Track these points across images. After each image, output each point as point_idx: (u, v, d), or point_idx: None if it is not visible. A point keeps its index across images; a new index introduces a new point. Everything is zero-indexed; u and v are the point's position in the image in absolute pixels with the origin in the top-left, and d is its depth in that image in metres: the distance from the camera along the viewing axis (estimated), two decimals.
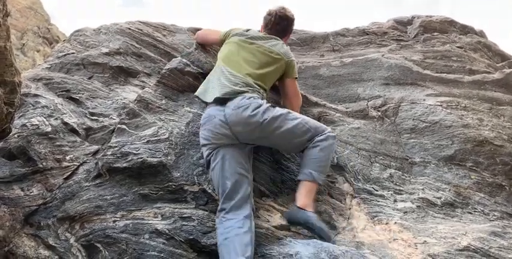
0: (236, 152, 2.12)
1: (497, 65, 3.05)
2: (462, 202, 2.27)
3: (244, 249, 1.84)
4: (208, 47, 2.87)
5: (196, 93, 2.39)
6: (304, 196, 2.04)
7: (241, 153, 2.14)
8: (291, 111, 2.26)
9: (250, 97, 2.18)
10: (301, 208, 1.99)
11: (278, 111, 2.17)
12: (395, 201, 2.28)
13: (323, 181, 2.16)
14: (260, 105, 2.14)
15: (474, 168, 2.39)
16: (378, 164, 2.47)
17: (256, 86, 2.30)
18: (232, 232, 1.88)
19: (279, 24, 2.62)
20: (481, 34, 3.44)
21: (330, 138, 2.16)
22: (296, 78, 2.54)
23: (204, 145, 2.18)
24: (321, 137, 2.14)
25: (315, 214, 1.99)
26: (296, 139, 2.15)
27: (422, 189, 2.32)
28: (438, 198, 2.28)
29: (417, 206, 2.23)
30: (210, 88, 2.32)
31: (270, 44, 2.48)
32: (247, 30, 2.59)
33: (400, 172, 2.43)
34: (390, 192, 2.32)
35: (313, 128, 2.17)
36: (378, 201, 2.27)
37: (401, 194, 2.31)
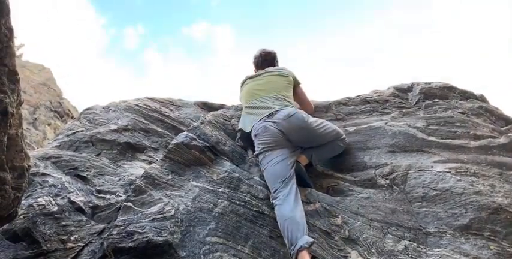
0: (288, 150, 2.73)
1: (502, 129, 3.05)
2: None
3: (306, 227, 2.30)
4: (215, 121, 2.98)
5: (240, 127, 2.96)
6: (301, 159, 2.76)
7: (291, 151, 2.76)
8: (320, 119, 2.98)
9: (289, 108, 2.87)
10: (298, 162, 2.71)
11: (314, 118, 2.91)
12: None
13: (315, 164, 2.87)
14: (303, 114, 2.81)
15: (492, 237, 2.29)
16: (391, 236, 2.38)
17: (286, 100, 3.01)
18: (297, 213, 2.34)
19: (266, 60, 3.44)
20: (482, 98, 3.49)
21: (344, 145, 2.92)
22: (300, 83, 3.30)
23: (262, 149, 2.71)
24: (338, 143, 2.88)
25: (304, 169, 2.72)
26: (328, 139, 2.84)
27: None
28: None
29: None
30: (249, 119, 2.93)
31: (270, 70, 3.24)
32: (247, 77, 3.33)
33: (415, 244, 2.33)
34: None
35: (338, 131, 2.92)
36: None
37: None
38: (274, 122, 2.76)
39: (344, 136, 2.95)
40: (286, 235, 2.23)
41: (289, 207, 2.35)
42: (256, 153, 2.78)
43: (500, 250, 2.23)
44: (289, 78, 3.20)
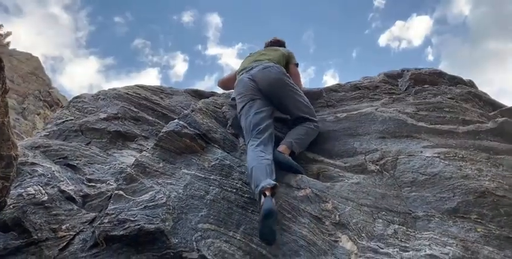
0: (262, 104, 2.89)
1: (490, 114, 3.09)
2: (471, 257, 2.17)
3: (271, 174, 2.41)
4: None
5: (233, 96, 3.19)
6: (284, 148, 2.69)
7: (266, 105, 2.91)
8: None
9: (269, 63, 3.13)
10: (282, 153, 2.65)
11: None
12: (402, 258, 2.19)
13: (297, 152, 2.79)
14: (282, 69, 3.06)
15: (479, 220, 2.33)
16: (380, 220, 2.41)
17: (272, 60, 3.20)
18: (263, 161, 2.47)
19: (273, 45, 3.75)
20: (471, 84, 3.52)
21: (317, 129, 2.95)
22: (297, 64, 3.46)
23: (238, 99, 2.95)
24: (312, 127, 2.91)
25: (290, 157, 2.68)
26: (297, 107, 2.96)
27: (429, 245, 2.24)
28: (446, 253, 2.19)
29: None
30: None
31: (268, 47, 3.63)
32: None
33: (404, 228, 2.36)
34: (396, 250, 2.24)
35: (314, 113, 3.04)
36: None
37: (407, 251, 2.22)
38: (249, 74, 3.05)
39: (316, 119, 3.03)
40: (252, 181, 2.38)
41: (255, 156, 2.52)
42: (237, 110, 2.98)
43: (486, 233, 2.27)
44: (283, 52, 3.41)
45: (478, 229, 2.29)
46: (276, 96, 2.96)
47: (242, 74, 3.13)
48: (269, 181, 2.29)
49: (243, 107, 2.90)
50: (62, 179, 2.58)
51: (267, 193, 2.24)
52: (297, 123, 2.95)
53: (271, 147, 2.67)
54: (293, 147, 2.77)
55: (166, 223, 2.17)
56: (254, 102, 2.89)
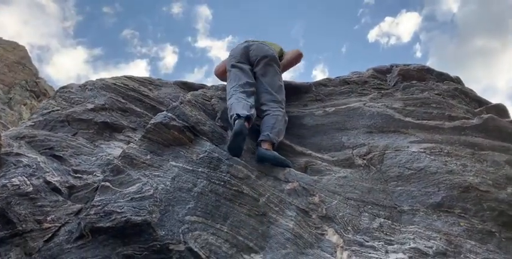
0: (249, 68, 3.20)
1: (475, 110, 3.13)
2: (454, 251, 2.22)
3: (249, 110, 2.74)
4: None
5: None
6: (267, 145, 2.73)
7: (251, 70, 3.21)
8: None
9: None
10: (267, 149, 2.70)
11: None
12: (386, 252, 2.22)
13: (277, 142, 2.82)
14: (274, 51, 3.33)
15: (463, 214, 2.38)
16: (366, 214, 2.44)
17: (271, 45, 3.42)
18: (243, 100, 2.80)
19: None
20: (458, 80, 3.56)
21: (285, 116, 2.98)
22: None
23: (230, 61, 3.26)
24: (279, 113, 2.94)
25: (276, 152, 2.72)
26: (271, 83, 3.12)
27: (413, 239, 2.28)
28: (430, 247, 2.23)
29: (409, 257, 2.17)
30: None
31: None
32: None
33: (390, 222, 2.40)
34: (381, 243, 2.27)
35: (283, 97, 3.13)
36: (369, 253, 2.21)
37: (392, 245, 2.26)
38: (247, 43, 3.36)
39: (282, 100, 3.10)
40: (230, 112, 2.74)
41: (236, 97, 2.85)
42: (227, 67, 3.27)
43: (469, 227, 2.32)
44: (281, 48, 3.59)
45: (462, 224, 2.33)
46: (257, 66, 3.20)
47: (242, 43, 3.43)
48: (244, 112, 2.66)
49: (232, 66, 3.20)
50: (47, 170, 2.55)
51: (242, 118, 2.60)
52: (263, 108, 3.03)
53: (253, 100, 2.93)
54: (272, 139, 2.78)
55: (153, 216, 2.16)
56: (243, 64, 3.20)
